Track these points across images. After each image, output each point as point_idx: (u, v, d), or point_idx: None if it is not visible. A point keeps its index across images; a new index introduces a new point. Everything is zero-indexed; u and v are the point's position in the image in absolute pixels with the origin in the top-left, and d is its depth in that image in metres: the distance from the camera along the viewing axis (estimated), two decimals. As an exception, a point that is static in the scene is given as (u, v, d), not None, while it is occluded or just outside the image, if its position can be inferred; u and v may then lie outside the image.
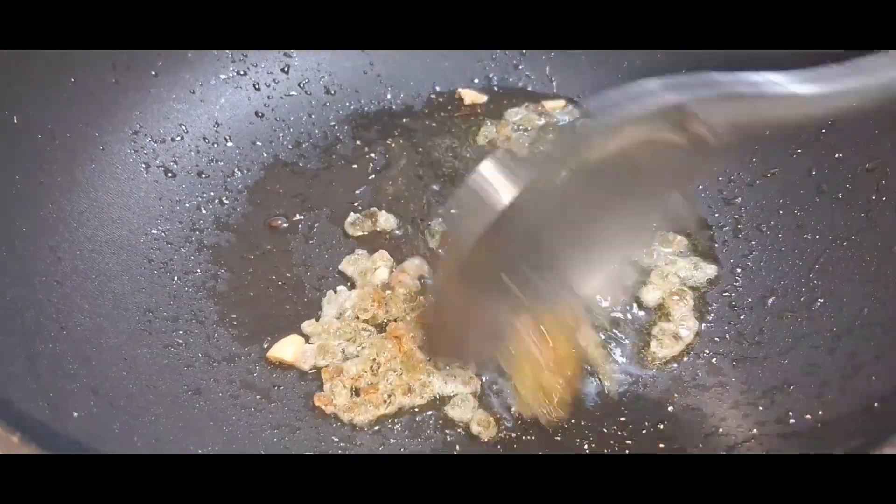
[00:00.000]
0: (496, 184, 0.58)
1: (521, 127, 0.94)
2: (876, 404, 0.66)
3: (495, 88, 0.98)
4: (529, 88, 0.98)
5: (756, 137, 0.87)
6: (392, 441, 0.72)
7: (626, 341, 0.78)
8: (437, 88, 0.98)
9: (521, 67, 0.99)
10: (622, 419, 0.73)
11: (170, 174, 0.89)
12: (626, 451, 0.71)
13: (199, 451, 0.69)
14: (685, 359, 0.77)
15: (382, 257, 0.83)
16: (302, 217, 0.88)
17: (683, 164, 0.61)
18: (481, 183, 0.58)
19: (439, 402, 0.74)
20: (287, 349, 0.77)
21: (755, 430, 0.70)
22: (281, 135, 0.95)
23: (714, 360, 0.77)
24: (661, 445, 0.71)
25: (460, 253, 0.61)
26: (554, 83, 0.97)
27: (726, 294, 0.81)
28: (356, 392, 0.75)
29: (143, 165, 0.88)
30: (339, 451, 0.71)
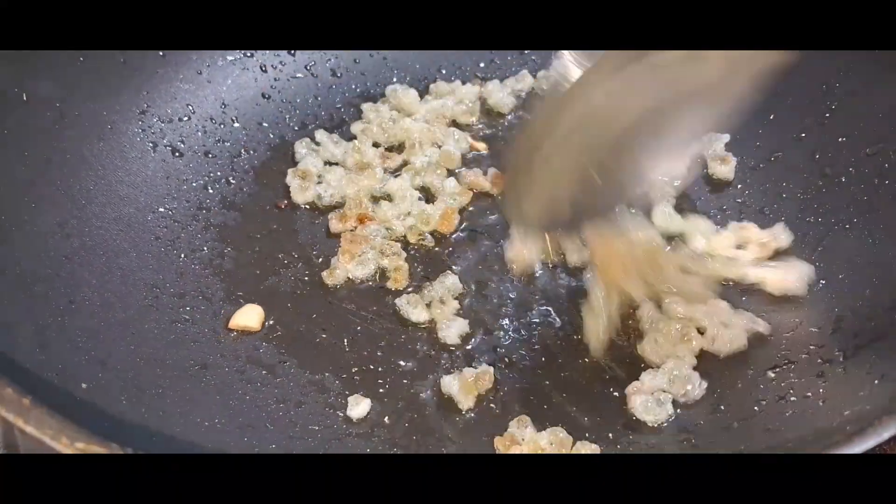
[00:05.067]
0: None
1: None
2: (876, 381, 0.66)
3: (500, 72, 0.99)
4: (535, 73, 0.98)
5: (759, 120, 0.88)
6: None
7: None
8: (444, 72, 0.99)
9: (526, 52, 0.99)
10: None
11: (177, 154, 0.90)
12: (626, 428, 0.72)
13: (206, 424, 0.70)
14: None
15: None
16: (308, 197, 0.89)
17: None
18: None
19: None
20: (248, 316, 0.79)
21: (756, 409, 0.71)
22: (287, 116, 0.95)
23: (716, 339, 0.77)
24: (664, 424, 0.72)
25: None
26: (559, 67, 0.98)
27: (729, 276, 0.82)
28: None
29: (151, 144, 0.89)
30: (342, 420, 0.72)
